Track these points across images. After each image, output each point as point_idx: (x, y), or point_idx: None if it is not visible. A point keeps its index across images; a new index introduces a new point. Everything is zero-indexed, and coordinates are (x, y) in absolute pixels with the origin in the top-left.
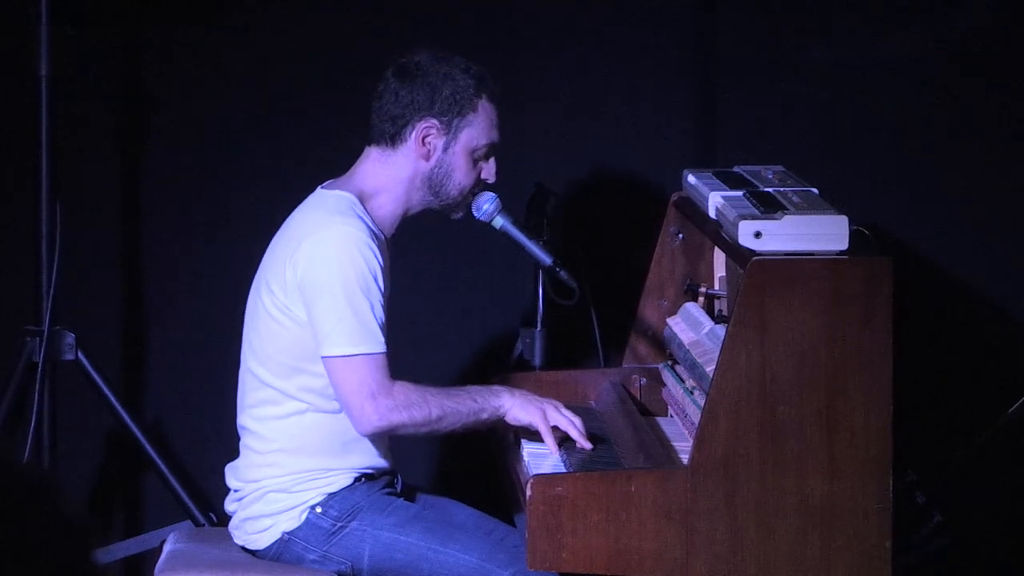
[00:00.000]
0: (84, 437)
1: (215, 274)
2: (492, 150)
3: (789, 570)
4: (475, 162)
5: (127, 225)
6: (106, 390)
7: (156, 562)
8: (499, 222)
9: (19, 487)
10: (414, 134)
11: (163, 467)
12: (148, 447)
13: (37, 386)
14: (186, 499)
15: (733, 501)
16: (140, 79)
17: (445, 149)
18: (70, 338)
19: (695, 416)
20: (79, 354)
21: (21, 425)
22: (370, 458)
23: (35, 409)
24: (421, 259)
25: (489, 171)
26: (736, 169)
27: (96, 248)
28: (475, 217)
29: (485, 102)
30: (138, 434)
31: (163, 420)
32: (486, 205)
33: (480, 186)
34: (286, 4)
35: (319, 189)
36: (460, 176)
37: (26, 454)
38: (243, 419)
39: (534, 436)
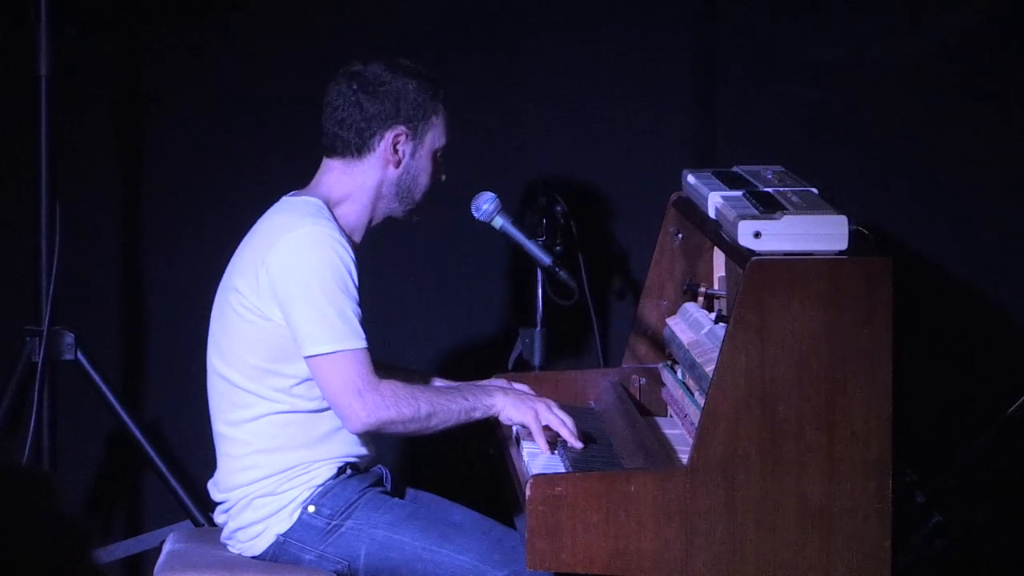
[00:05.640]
0: (84, 437)
1: (215, 274)
2: (446, 150)
3: (789, 570)
4: (435, 163)
5: (127, 225)
6: (106, 390)
7: (156, 562)
8: (499, 222)
9: (18, 487)
10: (383, 143)
11: (163, 467)
12: (148, 447)
13: (37, 386)
14: (186, 499)
15: (733, 501)
16: (140, 79)
17: (413, 154)
18: (70, 338)
19: (695, 416)
20: (79, 354)
21: (21, 425)
22: (351, 446)
23: (35, 409)
24: (421, 259)
25: (442, 171)
26: (736, 169)
27: (96, 248)
28: (475, 217)
29: (441, 104)
30: (138, 434)
31: (163, 420)
32: (486, 205)
33: (436, 188)
34: (286, 4)
35: (284, 198)
36: (424, 178)
37: (26, 454)
38: (217, 425)
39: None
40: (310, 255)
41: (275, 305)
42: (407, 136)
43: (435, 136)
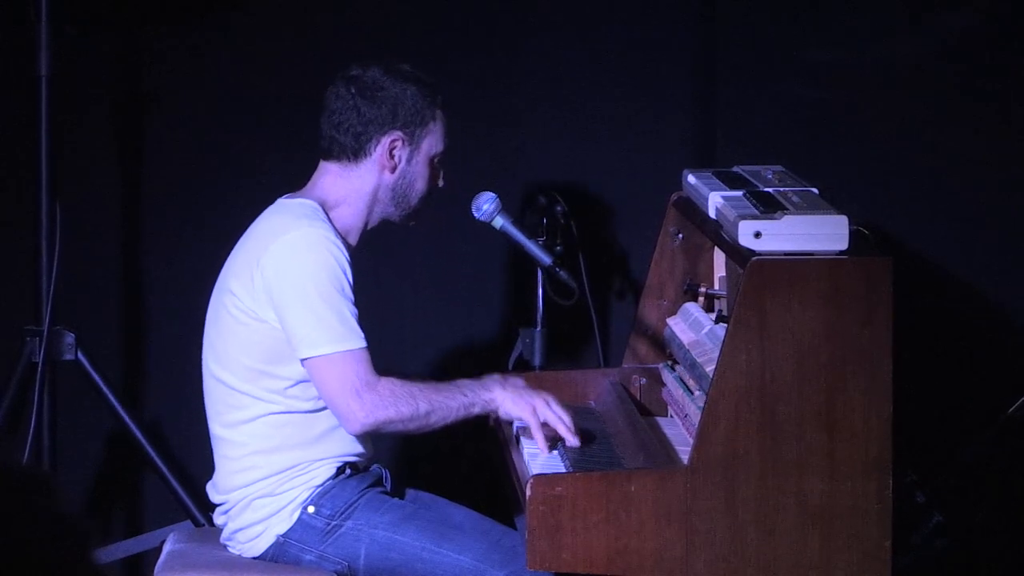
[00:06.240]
0: (84, 437)
1: (215, 274)
2: (444, 155)
3: (789, 570)
4: (433, 169)
5: (127, 225)
6: (106, 390)
7: (156, 562)
8: (499, 222)
9: (18, 487)
10: (379, 148)
11: (163, 467)
12: (148, 447)
13: (37, 386)
14: (186, 499)
15: (733, 501)
16: (140, 79)
17: (409, 160)
18: (70, 338)
19: (695, 416)
20: (79, 354)
21: (21, 425)
22: (349, 445)
23: (35, 409)
24: (421, 259)
25: (440, 176)
26: (736, 169)
27: (96, 248)
28: (475, 217)
29: (439, 110)
30: (138, 434)
31: (163, 420)
32: (486, 205)
33: (433, 193)
34: (286, 4)
35: (280, 200)
36: (421, 184)
37: (26, 454)
38: (214, 427)
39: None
40: (305, 257)
41: (269, 307)
42: (403, 142)
43: (432, 142)
